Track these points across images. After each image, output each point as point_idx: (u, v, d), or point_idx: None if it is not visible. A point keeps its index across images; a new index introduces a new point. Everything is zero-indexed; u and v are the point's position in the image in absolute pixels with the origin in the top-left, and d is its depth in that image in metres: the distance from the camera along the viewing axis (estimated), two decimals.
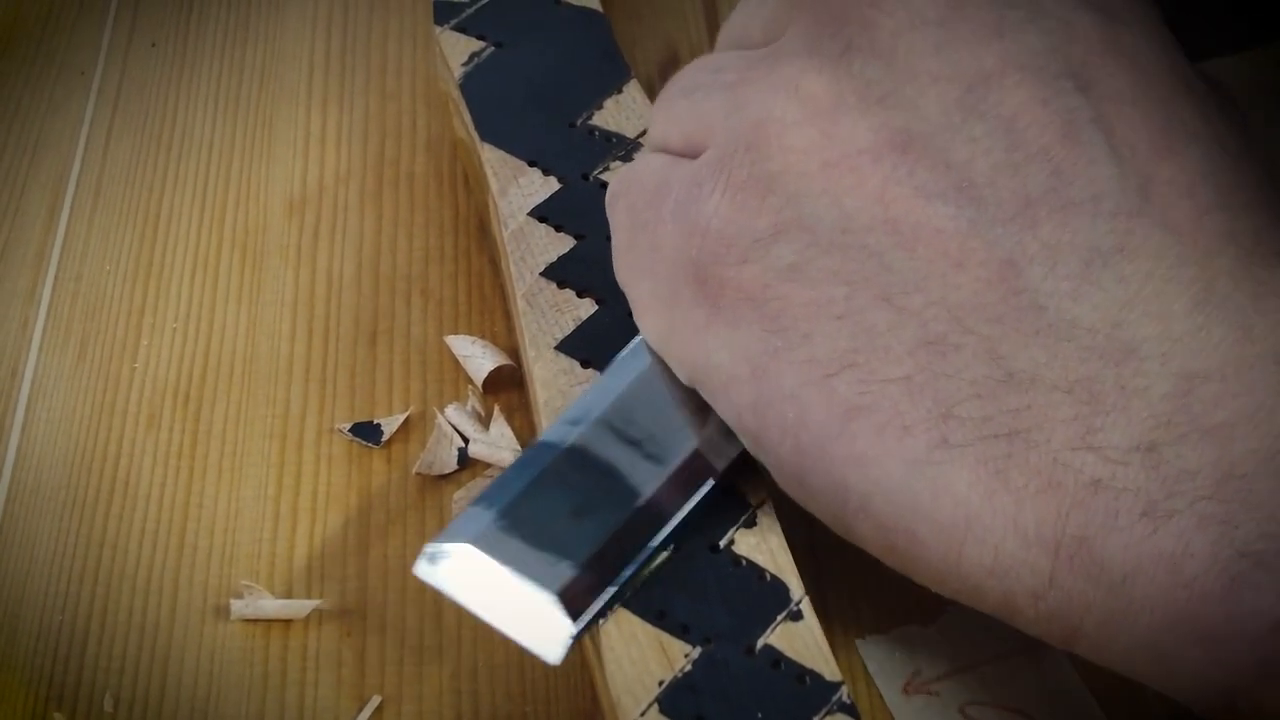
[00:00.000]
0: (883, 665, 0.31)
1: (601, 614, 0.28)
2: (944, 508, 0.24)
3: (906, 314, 0.25)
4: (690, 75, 0.30)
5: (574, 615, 0.27)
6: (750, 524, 0.29)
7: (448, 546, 0.28)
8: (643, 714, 0.26)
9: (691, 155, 0.29)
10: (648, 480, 0.29)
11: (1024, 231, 0.24)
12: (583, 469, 0.29)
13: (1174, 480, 0.23)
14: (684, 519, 0.29)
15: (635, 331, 0.31)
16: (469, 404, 0.36)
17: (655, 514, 0.29)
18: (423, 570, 0.29)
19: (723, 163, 0.27)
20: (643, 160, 0.31)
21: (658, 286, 0.29)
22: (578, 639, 0.28)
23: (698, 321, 0.28)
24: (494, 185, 0.36)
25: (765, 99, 0.27)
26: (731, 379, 0.27)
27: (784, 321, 0.26)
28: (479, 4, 0.41)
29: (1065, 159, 0.25)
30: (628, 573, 0.28)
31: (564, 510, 0.29)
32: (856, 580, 0.32)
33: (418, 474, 0.35)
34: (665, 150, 0.30)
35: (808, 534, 0.30)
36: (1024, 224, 0.24)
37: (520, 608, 0.28)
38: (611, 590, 0.28)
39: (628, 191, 0.30)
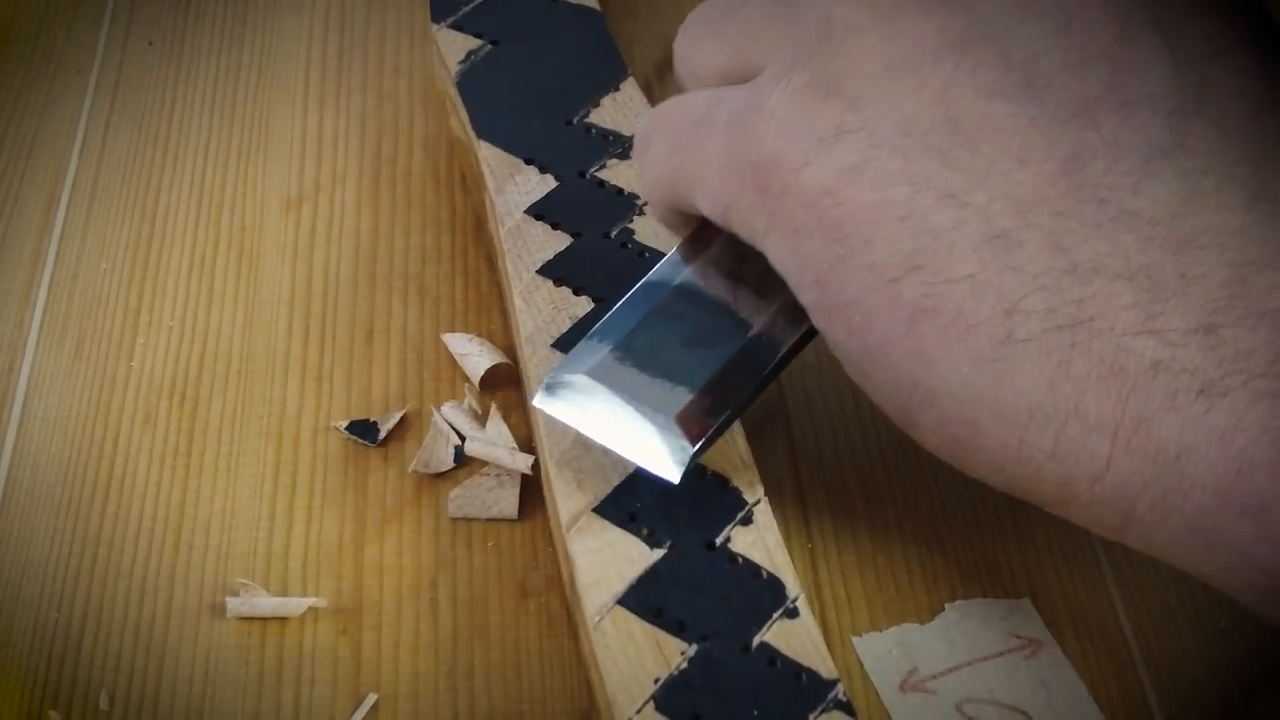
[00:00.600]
0: (879, 663, 0.31)
1: (715, 438, 0.29)
2: (1007, 399, 0.25)
3: (970, 210, 0.25)
4: (721, 2, 0.30)
5: (692, 439, 0.28)
6: (747, 521, 0.29)
7: (566, 377, 0.29)
8: (639, 711, 0.26)
9: (743, 79, 0.29)
10: (757, 313, 0.30)
11: (1085, 129, 0.25)
12: (693, 304, 0.30)
13: (1230, 360, 0.23)
14: (795, 344, 0.30)
15: None
16: (465, 402, 0.36)
17: (767, 343, 0.30)
18: (541, 401, 0.29)
19: (785, 70, 0.27)
20: (681, 97, 0.31)
21: (706, 196, 0.29)
22: (695, 460, 0.28)
23: (756, 227, 0.28)
24: (491, 183, 0.36)
25: (827, 4, 0.27)
26: (797, 284, 0.28)
27: (846, 228, 0.26)
28: (476, 2, 0.41)
29: (1123, 59, 0.25)
30: (742, 398, 0.29)
31: (676, 342, 0.30)
32: (853, 578, 0.32)
33: (414, 472, 0.35)
34: (707, 83, 0.30)
35: (804, 531, 0.30)
36: (1085, 122, 0.25)
37: (639, 433, 0.29)
38: (727, 414, 0.29)
39: (668, 122, 0.30)
